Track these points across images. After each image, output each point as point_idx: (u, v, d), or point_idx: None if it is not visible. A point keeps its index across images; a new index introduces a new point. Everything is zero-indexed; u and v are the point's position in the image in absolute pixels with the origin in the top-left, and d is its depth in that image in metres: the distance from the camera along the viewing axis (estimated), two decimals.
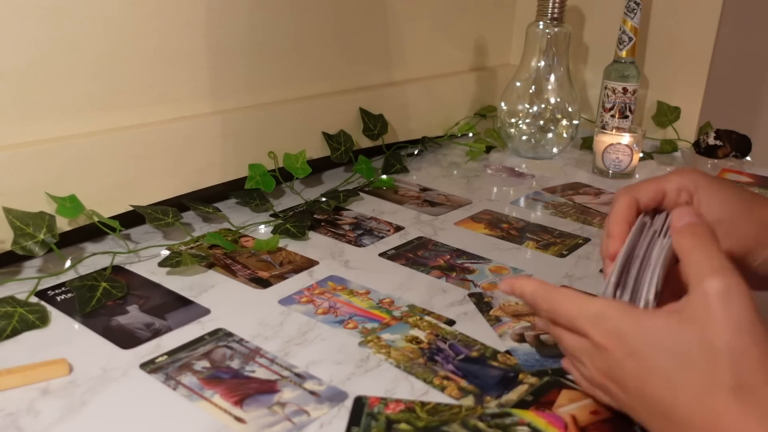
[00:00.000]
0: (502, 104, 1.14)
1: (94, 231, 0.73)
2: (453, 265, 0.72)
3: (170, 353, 0.54)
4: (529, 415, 0.48)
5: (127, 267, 0.69)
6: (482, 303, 0.64)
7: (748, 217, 0.48)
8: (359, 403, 0.48)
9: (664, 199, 0.50)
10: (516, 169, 1.08)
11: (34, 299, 0.61)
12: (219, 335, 0.57)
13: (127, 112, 0.74)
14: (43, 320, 0.58)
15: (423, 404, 0.48)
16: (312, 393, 0.50)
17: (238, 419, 0.47)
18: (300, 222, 0.79)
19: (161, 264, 0.67)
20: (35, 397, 0.48)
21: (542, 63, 1.11)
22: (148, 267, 0.69)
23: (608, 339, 0.40)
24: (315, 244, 0.76)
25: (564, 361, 0.49)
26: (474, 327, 0.60)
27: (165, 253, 0.71)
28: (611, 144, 1.02)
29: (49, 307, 0.60)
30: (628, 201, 0.50)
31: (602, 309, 0.41)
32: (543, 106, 1.12)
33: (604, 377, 0.42)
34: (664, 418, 0.38)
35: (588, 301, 0.42)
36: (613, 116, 1.17)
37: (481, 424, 0.46)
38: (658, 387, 0.38)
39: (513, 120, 1.14)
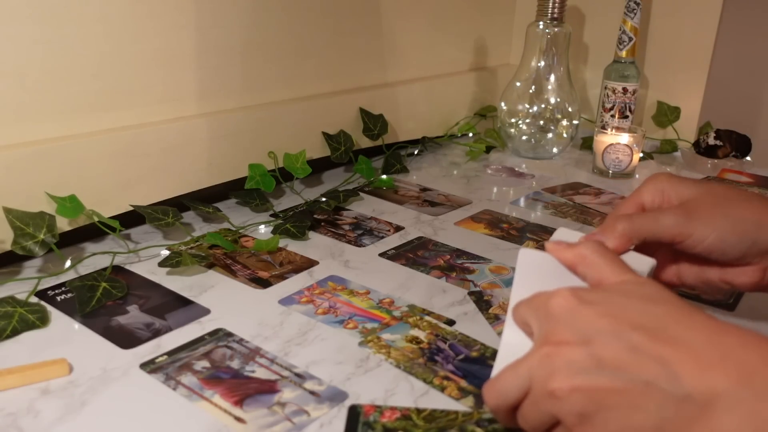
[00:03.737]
0: (502, 104, 1.14)
1: (94, 231, 0.73)
2: (453, 265, 0.72)
3: (170, 353, 0.54)
4: None
5: (127, 267, 0.69)
6: (482, 301, 0.64)
7: (721, 212, 0.49)
8: (354, 412, 0.48)
9: (645, 209, 0.53)
10: (516, 169, 1.08)
11: (34, 299, 0.61)
12: (219, 335, 0.57)
13: (127, 112, 0.74)
14: (43, 320, 0.58)
15: (419, 411, 0.48)
16: (312, 393, 0.50)
17: (238, 419, 0.47)
18: (300, 222, 0.79)
19: (161, 264, 0.67)
20: (35, 397, 0.48)
21: (542, 63, 1.11)
22: (148, 267, 0.69)
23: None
24: (315, 244, 0.76)
25: None
26: (474, 327, 0.60)
27: (165, 253, 0.71)
28: (611, 144, 1.03)
29: (49, 307, 0.60)
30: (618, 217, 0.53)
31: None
32: (543, 106, 1.12)
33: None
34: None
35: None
36: (613, 116, 1.17)
37: (478, 430, 0.46)
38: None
39: (513, 120, 1.14)
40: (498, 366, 0.44)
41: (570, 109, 1.12)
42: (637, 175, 1.05)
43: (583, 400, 0.37)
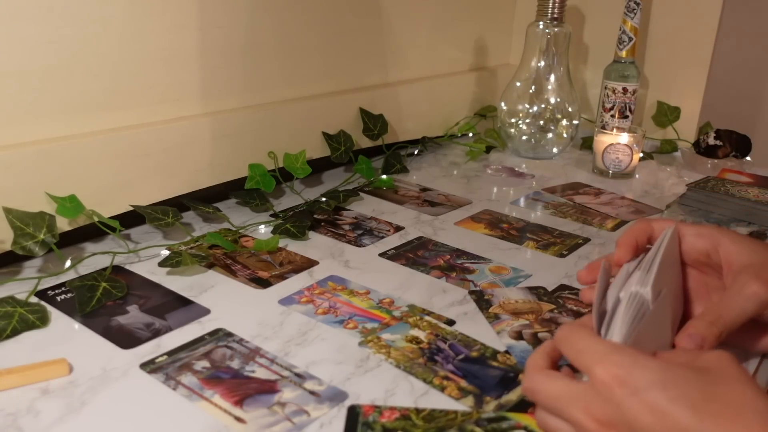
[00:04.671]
0: (502, 104, 1.14)
1: (94, 231, 0.73)
2: (453, 265, 0.72)
3: (170, 353, 0.54)
4: (526, 419, 0.48)
5: (127, 267, 0.69)
6: (482, 300, 0.64)
7: None
8: (353, 412, 0.48)
9: (681, 242, 0.53)
10: (516, 169, 1.08)
11: (34, 299, 0.61)
12: (219, 335, 0.57)
13: (127, 112, 0.74)
14: (43, 320, 0.58)
15: (418, 411, 0.48)
16: (312, 393, 0.50)
17: (238, 419, 0.47)
18: (300, 222, 0.78)
19: (161, 264, 0.67)
20: (35, 397, 0.48)
21: (542, 63, 1.11)
22: (148, 267, 0.69)
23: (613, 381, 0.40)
24: (315, 244, 0.76)
25: None
26: (474, 327, 0.60)
27: (165, 253, 0.71)
28: (611, 144, 1.02)
29: (49, 307, 0.60)
30: (643, 226, 0.53)
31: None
32: (543, 106, 1.12)
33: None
34: None
35: (575, 383, 0.42)
36: (613, 116, 1.17)
37: (478, 429, 0.46)
38: (684, 416, 0.37)
39: (513, 120, 1.14)
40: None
41: (570, 109, 1.12)
42: (637, 175, 1.05)
43: None
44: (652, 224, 0.54)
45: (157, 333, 0.57)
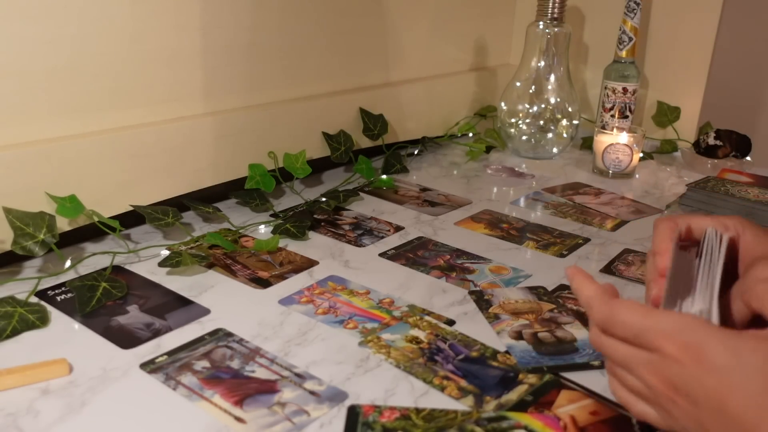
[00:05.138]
0: (502, 104, 1.14)
1: (94, 231, 0.73)
2: (453, 265, 0.72)
3: (170, 353, 0.54)
4: (526, 418, 0.48)
5: (127, 267, 0.69)
6: (482, 300, 0.64)
7: None
8: (353, 412, 0.48)
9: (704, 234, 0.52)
10: (516, 169, 1.08)
11: (34, 299, 0.61)
12: (219, 335, 0.57)
13: (127, 112, 0.74)
14: (43, 320, 0.58)
15: (418, 411, 0.48)
16: (312, 393, 0.50)
17: (238, 419, 0.47)
18: (300, 222, 0.79)
19: (161, 264, 0.67)
20: (35, 397, 0.48)
21: (542, 63, 1.11)
22: (148, 267, 0.69)
23: (686, 353, 0.40)
24: (315, 244, 0.76)
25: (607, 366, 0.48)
26: (474, 327, 0.60)
27: (165, 253, 0.71)
28: (611, 144, 1.03)
29: (49, 307, 0.60)
30: (670, 224, 0.52)
31: (681, 323, 0.41)
32: (543, 106, 1.12)
33: (669, 390, 0.41)
34: None
35: (660, 314, 0.42)
36: (613, 116, 1.17)
37: (478, 429, 0.46)
38: (742, 405, 0.38)
39: (513, 120, 1.14)
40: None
41: (570, 109, 1.12)
42: (637, 175, 1.05)
43: None
44: (675, 220, 0.52)
45: (157, 333, 0.57)
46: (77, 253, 0.71)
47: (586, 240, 0.80)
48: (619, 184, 1.02)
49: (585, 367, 0.54)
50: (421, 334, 0.58)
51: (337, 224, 0.82)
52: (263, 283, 0.67)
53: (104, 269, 0.67)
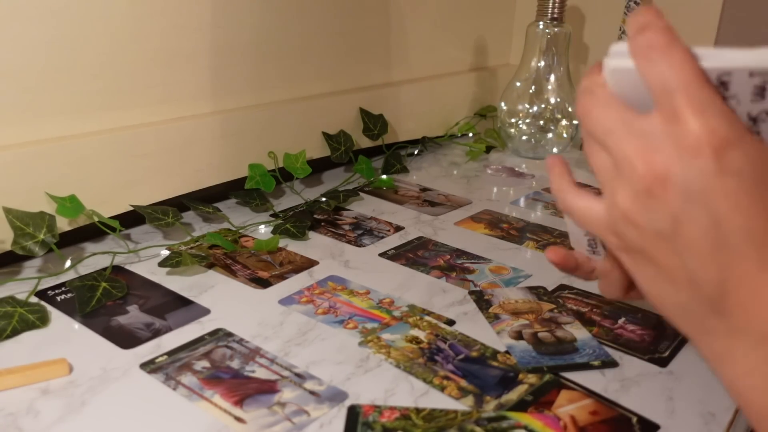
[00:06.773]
0: (502, 104, 1.14)
1: (94, 231, 0.73)
2: (453, 265, 0.72)
3: (170, 353, 0.54)
4: (526, 418, 0.48)
5: (127, 267, 0.69)
6: (482, 300, 0.64)
7: None
8: (353, 412, 0.48)
9: None
10: (516, 169, 1.08)
11: (34, 299, 0.61)
12: (219, 335, 0.57)
13: (127, 112, 0.74)
14: (43, 320, 0.58)
15: (418, 411, 0.48)
16: (312, 393, 0.50)
17: (238, 419, 0.47)
18: (300, 222, 0.79)
19: (161, 264, 0.67)
20: (35, 397, 0.48)
21: (542, 63, 1.11)
22: (148, 267, 0.69)
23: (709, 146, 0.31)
24: (315, 244, 0.76)
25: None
26: (474, 327, 0.60)
27: (165, 253, 0.71)
28: None
29: (49, 307, 0.60)
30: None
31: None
32: (543, 106, 1.12)
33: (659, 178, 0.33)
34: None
35: None
36: None
37: (478, 429, 0.46)
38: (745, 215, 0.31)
39: (513, 120, 1.14)
40: None
41: (570, 109, 1.12)
42: None
43: None
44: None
45: (157, 333, 0.57)
46: (77, 253, 0.71)
47: None
48: None
49: (585, 367, 0.54)
50: (421, 334, 0.58)
51: (337, 224, 0.82)
52: (263, 283, 0.67)
53: (104, 269, 0.67)
